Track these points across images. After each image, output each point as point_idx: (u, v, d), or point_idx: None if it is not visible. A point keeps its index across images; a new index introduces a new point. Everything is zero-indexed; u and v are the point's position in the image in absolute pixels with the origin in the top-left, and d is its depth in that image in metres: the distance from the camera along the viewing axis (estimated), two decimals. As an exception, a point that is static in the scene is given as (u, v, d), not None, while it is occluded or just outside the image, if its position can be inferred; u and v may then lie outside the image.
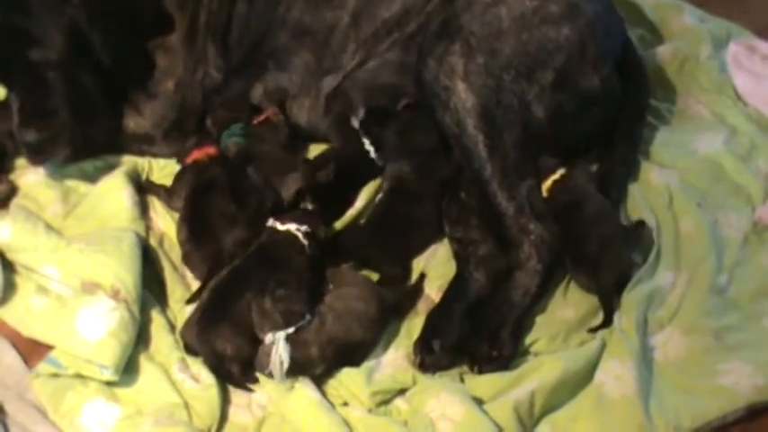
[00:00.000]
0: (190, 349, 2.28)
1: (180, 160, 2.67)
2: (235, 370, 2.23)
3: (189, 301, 2.37)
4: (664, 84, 3.00)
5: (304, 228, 2.41)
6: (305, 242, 2.40)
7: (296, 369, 2.20)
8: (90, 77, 2.56)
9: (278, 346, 2.20)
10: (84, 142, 2.58)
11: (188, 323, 2.29)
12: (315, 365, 2.22)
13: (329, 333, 2.24)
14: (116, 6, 2.55)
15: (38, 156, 2.54)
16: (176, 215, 2.55)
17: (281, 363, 2.19)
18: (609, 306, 2.36)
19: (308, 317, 2.26)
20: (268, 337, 2.21)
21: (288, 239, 2.40)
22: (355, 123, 2.68)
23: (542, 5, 2.57)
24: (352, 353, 2.27)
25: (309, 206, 2.52)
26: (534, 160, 2.53)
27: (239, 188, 2.55)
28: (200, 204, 2.51)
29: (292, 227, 2.41)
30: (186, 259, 2.47)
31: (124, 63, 2.60)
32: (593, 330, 2.34)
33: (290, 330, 2.21)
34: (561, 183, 2.54)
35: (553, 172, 2.56)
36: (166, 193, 2.61)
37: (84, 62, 2.52)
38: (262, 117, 2.72)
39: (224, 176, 2.56)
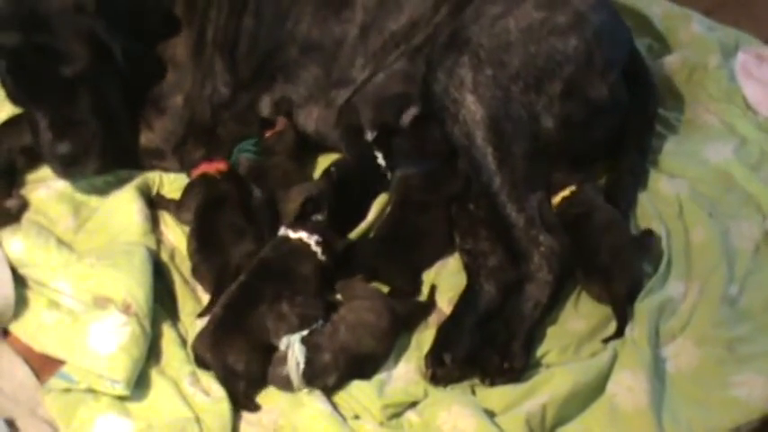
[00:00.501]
0: (201, 362, 2.28)
1: (188, 170, 2.68)
2: (242, 387, 2.23)
3: (201, 315, 2.37)
4: (673, 93, 3.00)
5: (315, 237, 2.42)
6: (317, 249, 2.41)
7: (310, 374, 2.20)
8: (114, 88, 2.56)
9: (294, 349, 2.21)
10: (113, 153, 2.58)
11: (200, 336, 2.29)
12: (328, 372, 2.22)
13: (342, 342, 2.24)
14: (128, 13, 2.55)
15: (71, 168, 2.54)
16: (187, 229, 2.55)
17: (298, 364, 2.20)
18: (623, 316, 2.36)
19: (321, 321, 2.27)
20: (283, 342, 2.23)
21: (298, 249, 2.41)
22: (369, 136, 2.69)
23: (550, 17, 2.57)
24: (364, 364, 2.27)
25: (320, 218, 2.52)
26: (544, 172, 2.53)
27: (250, 203, 2.55)
28: (210, 217, 2.51)
29: (304, 235, 2.42)
30: (195, 271, 2.47)
31: (141, 72, 2.61)
32: (606, 341, 2.34)
33: (305, 333, 2.23)
34: (570, 198, 2.55)
35: (562, 188, 2.56)
36: (175, 206, 2.61)
37: (106, 73, 2.52)
38: (272, 131, 2.74)
39: (235, 191, 2.57)
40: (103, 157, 2.55)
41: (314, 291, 2.35)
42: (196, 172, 2.64)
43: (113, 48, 2.48)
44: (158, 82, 2.67)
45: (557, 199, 2.55)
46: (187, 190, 2.62)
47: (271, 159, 2.69)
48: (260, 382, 2.26)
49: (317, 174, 2.76)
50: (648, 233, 2.52)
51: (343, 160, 2.71)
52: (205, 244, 2.47)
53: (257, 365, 2.24)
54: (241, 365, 2.22)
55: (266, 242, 2.46)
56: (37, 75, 2.45)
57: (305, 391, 2.21)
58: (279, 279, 2.34)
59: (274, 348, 2.25)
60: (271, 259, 2.40)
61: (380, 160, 2.66)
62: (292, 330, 2.24)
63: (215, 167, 2.64)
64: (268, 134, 2.74)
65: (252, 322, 2.26)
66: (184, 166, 2.71)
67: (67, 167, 2.54)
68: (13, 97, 2.56)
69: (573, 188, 2.56)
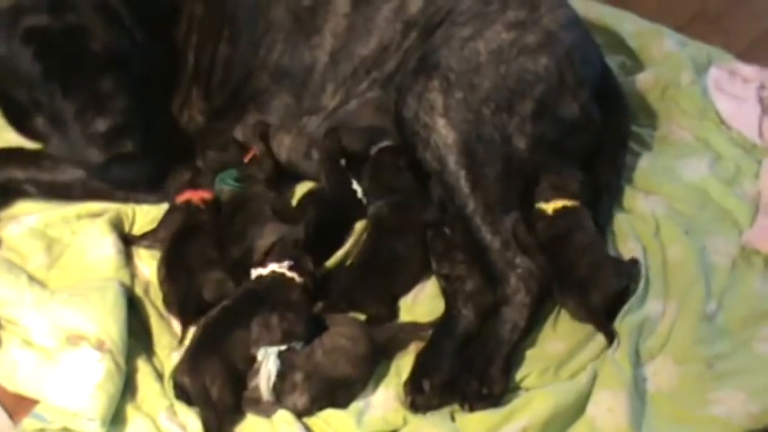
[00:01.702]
0: (180, 391, 2.25)
1: (171, 196, 2.65)
2: (217, 416, 2.21)
3: (180, 344, 2.36)
4: (646, 110, 3.00)
5: (286, 263, 2.41)
6: (293, 275, 2.40)
7: (280, 389, 2.20)
8: (141, 69, 2.55)
9: (268, 360, 2.21)
10: (144, 132, 2.54)
11: (180, 361, 2.27)
12: (298, 392, 2.21)
13: (316, 364, 2.24)
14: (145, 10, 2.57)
15: (110, 146, 2.48)
16: (161, 262, 2.55)
17: (269, 377, 2.20)
18: (603, 324, 2.35)
19: (302, 343, 2.27)
20: (261, 352, 2.23)
21: (277, 281, 2.40)
22: (343, 163, 2.69)
23: (519, 37, 2.58)
24: (337, 389, 2.25)
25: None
26: (517, 192, 2.52)
27: (224, 235, 2.55)
28: (182, 245, 2.51)
29: (275, 266, 2.41)
30: (165, 301, 2.46)
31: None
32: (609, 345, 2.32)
33: (283, 348, 2.23)
34: (569, 210, 2.53)
35: (573, 196, 2.55)
36: (152, 234, 2.60)
37: (132, 55, 2.52)
38: (249, 155, 2.72)
39: (210, 223, 2.57)
40: (140, 134, 2.51)
41: (304, 314, 2.35)
42: (180, 198, 2.62)
43: (134, 30, 2.50)
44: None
45: (558, 204, 2.53)
46: (168, 212, 2.61)
47: (251, 189, 2.67)
48: (234, 411, 2.24)
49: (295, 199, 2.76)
50: (633, 261, 2.51)
51: (318, 190, 2.70)
52: (173, 272, 2.46)
53: (231, 392, 2.22)
54: (216, 390, 2.20)
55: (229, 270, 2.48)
56: (67, 54, 2.43)
57: (278, 413, 2.20)
58: (261, 306, 2.33)
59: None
60: (256, 289, 2.40)
61: (356, 186, 2.66)
62: (273, 343, 2.24)
63: (200, 196, 2.62)
64: (246, 160, 2.72)
65: (228, 346, 2.25)
66: (159, 198, 2.69)
67: (108, 146, 2.48)
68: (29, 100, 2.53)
69: (569, 204, 2.53)
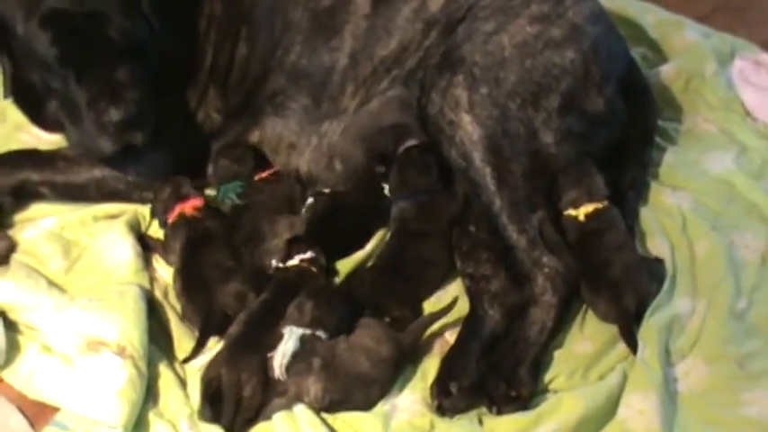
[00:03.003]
0: (209, 387, 2.21)
1: (160, 215, 2.60)
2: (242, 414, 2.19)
3: (186, 360, 2.32)
4: (669, 103, 2.97)
5: (308, 254, 2.41)
6: (313, 269, 2.41)
7: (295, 370, 2.19)
8: (155, 61, 2.52)
9: (289, 338, 2.21)
10: (154, 125, 2.51)
11: (217, 355, 2.25)
12: (312, 377, 2.18)
13: (336, 356, 2.22)
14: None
15: (121, 136, 2.45)
16: (179, 265, 2.51)
17: (285, 353, 2.19)
18: (630, 333, 2.31)
19: (327, 335, 2.26)
20: (286, 330, 2.23)
21: (299, 273, 2.40)
22: (380, 169, 2.65)
23: (544, 30, 2.54)
24: (354, 386, 2.22)
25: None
26: (544, 189, 2.49)
27: (236, 242, 2.51)
28: (194, 257, 2.46)
29: (296, 261, 2.41)
30: (183, 312, 2.43)
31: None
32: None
33: (308, 331, 2.23)
34: (600, 212, 2.50)
35: (601, 197, 2.52)
36: (162, 249, 2.57)
37: (148, 45, 2.49)
38: (265, 174, 2.69)
39: (220, 229, 2.53)
40: (151, 127, 2.49)
41: (339, 309, 2.35)
42: (172, 216, 2.57)
43: (152, 19, 2.47)
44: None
45: (589, 208, 2.49)
46: (169, 233, 2.57)
47: (256, 196, 2.64)
48: (258, 411, 2.21)
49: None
50: (658, 260, 2.48)
51: (333, 195, 2.66)
52: (190, 285, 2.43)
53: (263, 393, 2.20)
54: (250, 387, 2.19)
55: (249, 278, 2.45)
56: (85, 40, 2.40)
57: (303, 415, 2.16)
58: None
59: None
60: (286, 280, 2.40)
61: (387, 191, 2.62)
62: (301, 324, 2.25)
63: (191, 205, 2.58)
64: (258, 177, 2.68)
65: (271, 341, 2.24)
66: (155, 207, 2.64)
67: (119, 136, 2.45)
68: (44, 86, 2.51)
69: (599, 206, 2.50)
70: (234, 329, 2.29)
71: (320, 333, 2.26)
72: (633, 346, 2.29)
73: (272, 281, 2.41)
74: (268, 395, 2.22)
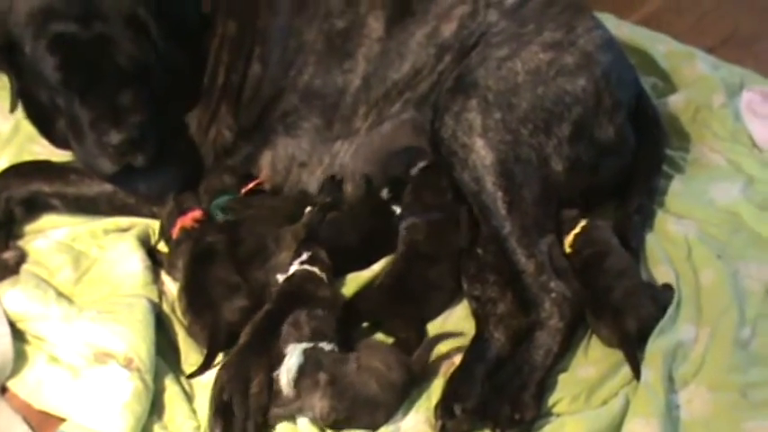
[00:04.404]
0: (220, 399, 2.20)
1: (166, 232, 2.61)
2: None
3: (192, 376, 2.32)
4: (678, 132, 2.98)
5: (305, 256, 2.43)
6: (314, 269, 2.42)
7: (301, 386, 2.18)
8: (161, 84, 2.53)
9: (293, 355, 2.20)
10: (157, 147, 2.54)
11: (227, 362, 2.26)
12: (318, 393, 2.18)
13: (346, 375, 2.21)
14: (175, 16, 2.55)
15: (121, 158, 2.48)
16: (188, 280, 2.52)
17: (290, 369, 2.19)
18: (634, 356, 2.32)
19: (332, 344, 2.26)
20: (289, 348, 2.23)
21: (304, 278, 2.41)
22: (384, 194, 2.66)
23: (557, 57, 2.56)
24: (361, 407, 2.21)
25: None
26: (553, 215, 2.50)
27: (240, 257, 2.52)
28: (198, 273, 2.46)
29: (297, 266, 2.43)
30: (189, 330, 2.42)
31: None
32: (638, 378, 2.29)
33: (310, 345, 2.23)
34: (583, 235, 2.52)
35: (574, 225, 2.53)
36: (167, 264, 2.57)
37: (156, 69, 2.50)
38: (251, 185, 2.69)
39: (223, 244, 2.52)
40: (153, 149, 2.51)
41: (332, 313, 2.35)
42: (175, 231, 2.58)
43: (159, 44, 2.48)
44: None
45: (569, 238, 2.52)
46: (173, 249, 2.58)
47: (246, 212, 2.64)
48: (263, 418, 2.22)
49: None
50: (668, 287, 2.49)
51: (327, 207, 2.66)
52: (195, 301, 2.42)
53: (268, 393, 2.21)
54: (256, 386, 2.20)
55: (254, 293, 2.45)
56: (91, 64, 2.42)
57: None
58: (300, 304, 2.34)
59: None
60: (289, 290, 2.41)
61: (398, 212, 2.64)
62: (302, 339, 2.25)
63: (190, 218, 2.59)
64: (244, 190, 2.69)
65: (275, 348, 2.26)
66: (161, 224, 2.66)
67: (119, 158, 2.47)
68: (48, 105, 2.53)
69: (583, 224, 2.53)
70: (241, 341, 2.29)
71: (323, 345, 2.26)
72: (636, 370, 2.29)
73: (276, 291, 2.42)
74: (273, 402, 2.21)
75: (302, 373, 2.20)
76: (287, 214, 2.65)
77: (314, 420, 2.21)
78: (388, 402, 2.25)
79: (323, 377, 2.19)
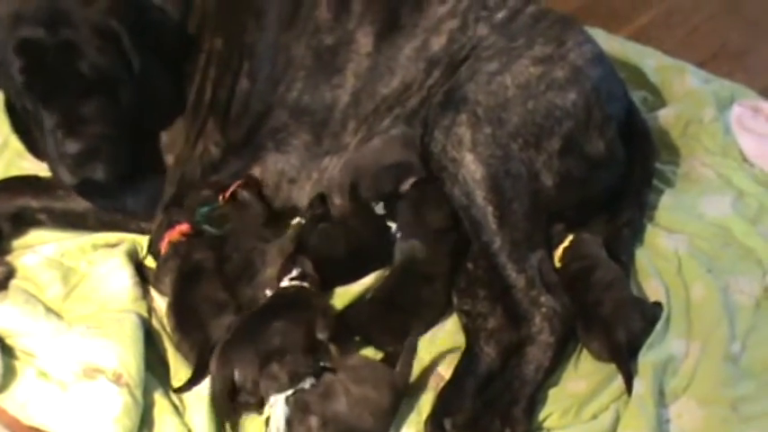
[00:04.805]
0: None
1: (154, 246, 2.61)
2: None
3: (180, 390, 2.31)
4: (668, 146, 2.99)
5: (294, 272, 2.43)
6: (306, 285, 2.42)
7: None
8: (128, 98, 2.50)
9: (277, 407, 2.18)
10: (125, 161, 2.52)
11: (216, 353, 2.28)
12: None
13: (338, 412, 2.19)
14: (151, 28, 2.53)
15: (80, 169, 2.46)
16: (177, 295, 2.51)
17: (278, 426, 2.16)
18: (627, 369, 2.31)
19: (311, 380, 2.23)
20: (270, 401, 2.19)
21: (297, 290, 2.41)
22: (378, 209, 2.65)
23: (547, 72, 2.56)
24: None
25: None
26: (543, 229, 2.50)
27: (228, 274, 2.51)
28: (186, 291, 2.45)
29: (286, 282, 2.42)
30: (177, 348, 2.41)
31: (153, 100, 2.57)
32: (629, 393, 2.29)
33: (290, 392, 2.20)
34: (571, 249, 2.53)
35: (562, 239, 2.54)
36: (154, 278, 2.56)
37: (123, 80, 2.48)
38: (227, 193, 2.67)
39: (211, 261, 2.52)
40: (115, 162, 2.48)
41: (309, 342, 2.32)
42: (163, 244, 2.57)
43: (132, 57, 2.46)
44: (149, 143, 2.63)
45: (558, 251, 2.53)
46: (161, 264, 2.56)
47: (231, 225, 2.64)
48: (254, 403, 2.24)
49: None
50: (657, 304, 2.49)
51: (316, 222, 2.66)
52: (183, 320, 2.41)
53: (254, 380, 2.22)
54: (240, 377, 2.21)
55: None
56: (55, 71, 2.40)
57: None
58: (297, 310, 2.36)
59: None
60: (283, 295, 2.42)
61: (394, 230, 2.61)
62: (282, 389, 2.21)
63: (177, 232, 2.58)
64: (222, 199, 2.67)
65: (265, 336, 2.27)
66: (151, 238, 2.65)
67: (77, 168, 2.45)
68: (14, 106, 2.53)
69: (571, 238, 2.54)
70: (234, 325, 2.32)
71: (304, 385, 2.23)
72: (629, 382, 2.29)
73: (272, 295, 2.43)
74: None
75: (291, 422, 2.17)
76: (264, 222, 2.65)
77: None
78: (382, 429, 2.24)
79: (314, 421, 2.17)
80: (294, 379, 2.22)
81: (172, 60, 2.60)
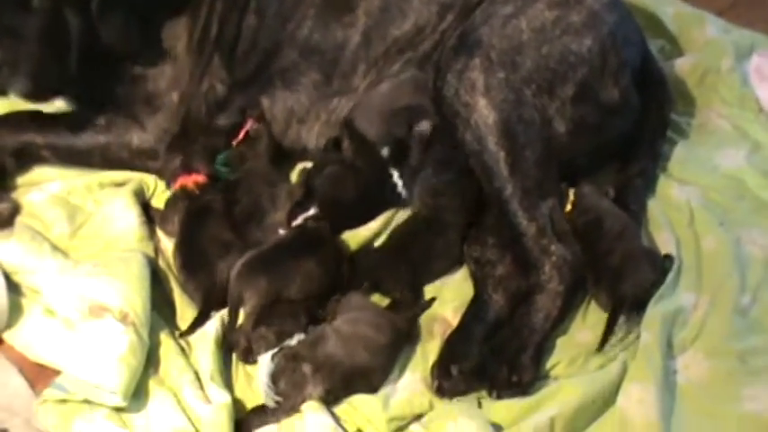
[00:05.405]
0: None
1: (167, 182, 2.60)
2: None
3: (183, 335, 2.32)
4: (684, 97, 2.95)
5: (312, 211, 2.45)
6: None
7: (289, 386, 2.16)
8: (77, 22, 2.44)
9: (261, 366, 2.19)
10: (47, 83, 2.46)
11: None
12: (309, 384, 2.16)
13: (328, 354, 2.19)
14: None
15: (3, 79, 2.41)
16: (183, 235, 2.50)
17: (266, 380, 2.17)
18: (612, 326, 2.31)
19: (299, 336, 2.25)
20: (260, 359, 2.21)
21: (315, 228, 2.43)
22: (384, 152, 2.61)
23: (563, 16, 2.52)
24: (355, 379, 2.20)
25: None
26: (556, 177, 2.47)
27: (237, 216, 2.50)
28: (194, 231, 2.44)
29: (300, 220, 2.45)
30: (183, 289, 2.41)
31: (128, 46, 2.53)
32: (600, 348, 2.30)
33: (276, 350, 2.21)
34: (575, 206, 2.50)
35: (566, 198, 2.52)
36: (159, 218, 2.55)
37: (75, 10, 2.42)
38: (241, 135, 2.65)
39: (219, 203, 2.51)
40: (35, 81, 2.41)
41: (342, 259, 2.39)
42: (176, 186, 2.56)
43: None
44: (151, 76, 2.60)
45: (567, 208, 2.50)
46: (169, 203, 2.55)
47: (244, 167, 2.62)
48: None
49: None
50: (668, 257, 2.47)
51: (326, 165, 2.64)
52: (190, 260, 2.40)
53: (259, 316, 2.25)
54: (250, 305, 2.24)
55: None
56: None
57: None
58: (314, 247, 2.39)
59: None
60: (302, 231, 2.45)
61: (396, 179, 2.58)
62: (270, 347, 2.22)
63: (193, 180, 2.56)
64: (236, 141, 2.66)
65: (283, 269, 2.31)
66: (164, 176, 2.64)
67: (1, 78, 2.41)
68: None
69: (572, 194, 2.52)
70: (265, 247, 2.37)
71: (292, 341, 2.24)
72: (605, 341, 2.29)
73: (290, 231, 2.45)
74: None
75: (284, 374, 2.17)
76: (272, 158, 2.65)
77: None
78: (381, 365, 2.24)
79: (307, 368, 2.17)
80: (281, 337, 2.23)
81: None
